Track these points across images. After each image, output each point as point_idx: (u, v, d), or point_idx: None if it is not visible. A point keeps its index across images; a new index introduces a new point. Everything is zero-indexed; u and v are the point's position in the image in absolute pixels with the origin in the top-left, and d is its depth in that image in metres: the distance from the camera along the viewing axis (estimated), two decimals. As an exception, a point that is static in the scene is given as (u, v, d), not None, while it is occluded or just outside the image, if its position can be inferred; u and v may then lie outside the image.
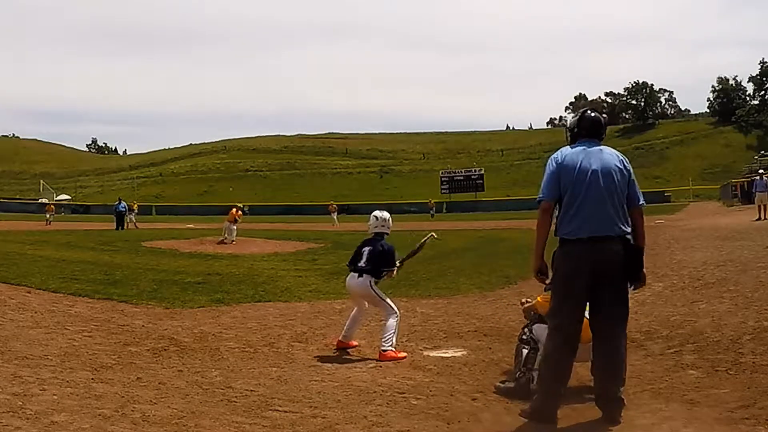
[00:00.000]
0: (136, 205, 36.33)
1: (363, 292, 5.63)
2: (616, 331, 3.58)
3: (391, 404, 3.95)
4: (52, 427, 3.26)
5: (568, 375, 3.55)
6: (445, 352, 5.49)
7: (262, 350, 5.53)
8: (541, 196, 3.60)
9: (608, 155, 3.64)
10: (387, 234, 5.99)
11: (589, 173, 3.53)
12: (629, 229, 3.56)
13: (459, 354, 5.42)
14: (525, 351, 4.21)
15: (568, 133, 3.83)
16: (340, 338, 5.69)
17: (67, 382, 4.13)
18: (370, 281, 5.58)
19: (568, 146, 3.74)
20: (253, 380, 4.50)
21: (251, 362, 5.09)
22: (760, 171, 26.65)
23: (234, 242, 19.27)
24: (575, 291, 3.50)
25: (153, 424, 3.42)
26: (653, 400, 3.90)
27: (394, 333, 5.35)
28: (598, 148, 3.67)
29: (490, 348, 5.60)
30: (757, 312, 5.98)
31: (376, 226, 5.99)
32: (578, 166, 3.55)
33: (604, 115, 3.90)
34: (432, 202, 48.05)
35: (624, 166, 3.65)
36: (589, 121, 3.75)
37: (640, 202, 3.68)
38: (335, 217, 34.95)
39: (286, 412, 3.75)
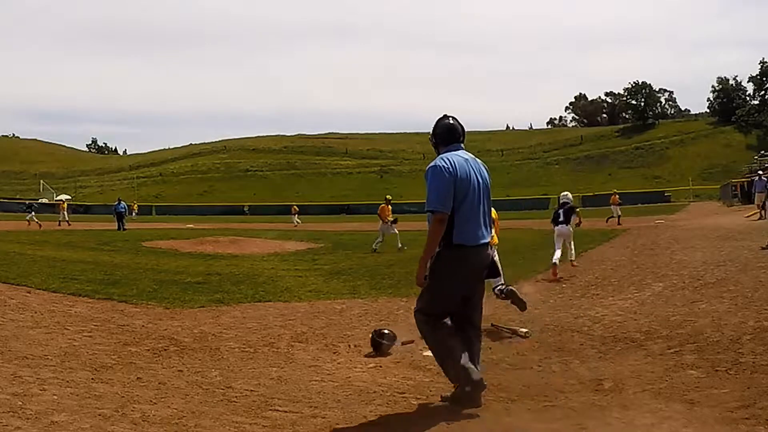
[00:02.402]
0: (136, 206, 36.32)
1: (568, 233, 10.54)
2: (479, 320, 4.00)
3: (391, 404, 3.94)
4: (52, 427, 3.26)
5: (463, 348, 3.82)
6: (445, 352, 5.48)
7: (262, 350, 5.53)
8: (437, 207, 3.66)
9: (481, 165, 3.93)
10: (570, 203, 10.97)
11: (476, 184, 3.80)
12: None
13: (459, 354, 5.41)
14: None
15: (433, 139, 3.99)
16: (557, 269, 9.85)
17: (67, 382, 4.13)
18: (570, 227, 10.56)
19: (447, 154, 3.83)
20: (253, 380, 4.50)
21: (251, 362, 5.09)
22: (759, 171, 26.79)
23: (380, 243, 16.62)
24: (461, 290, 3.84)
25: (153, 424, 3.42)
26: (653, 400, 3.90)
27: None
28: (472, 156, 3.91)
29: (490, 348, 5.60)
30: (757, 312, 5.99)
31: (563, 201, 11.02)
32: (470, 176, 3.76)
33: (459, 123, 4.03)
34: None
35: (488, 174, 3.99)
36: (446, 126, 3.93)
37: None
38: (296, 218, 37.35)
39: (286, 412, 3.75)
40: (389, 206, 17.76)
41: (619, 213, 26.27)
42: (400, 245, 16.38)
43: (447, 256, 3.73)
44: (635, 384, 4.23)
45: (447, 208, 3.66)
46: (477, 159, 3.92)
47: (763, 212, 20.09)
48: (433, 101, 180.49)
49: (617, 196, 27.73)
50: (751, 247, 11.31)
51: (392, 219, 17.31)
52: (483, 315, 4.07)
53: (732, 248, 11.58)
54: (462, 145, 3.92)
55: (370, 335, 5.64)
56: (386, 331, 5.61)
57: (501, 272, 5.60)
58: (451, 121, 3.96)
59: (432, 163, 3.80)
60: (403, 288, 9.27)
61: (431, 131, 3.99)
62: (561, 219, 10.67)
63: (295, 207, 41.35)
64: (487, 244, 3.85)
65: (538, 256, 13.80)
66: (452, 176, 3.69)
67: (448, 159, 3.76)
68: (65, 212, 34.96)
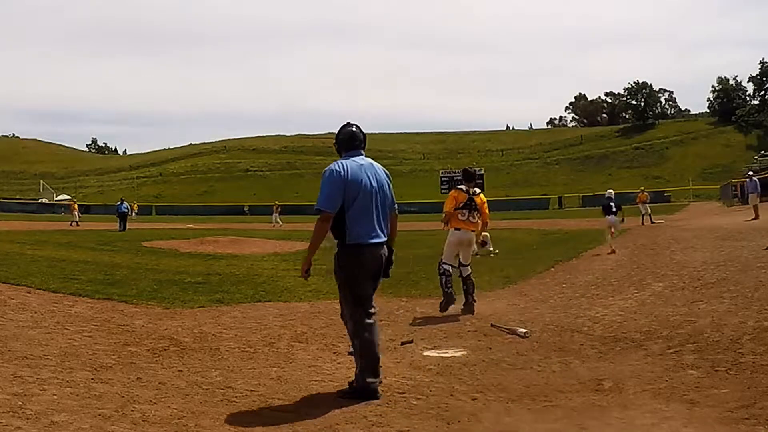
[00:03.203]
0: (135, 206, 36.25)
1: (614, 221, 14.12)
2: (374, 311, 4.22)
3: (391, 404, 3.94)
4: (52, 427, 3.26)
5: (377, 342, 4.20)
6: (445, 352, 5.49)
7: (262, 350, 5.53)
8: (324, 206, 3.98)
9: (378, 169, 4.21)
10: (613, 198, 14.79)
11: (371, 187, 4.08)
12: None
13: (459, 354, 5.42)
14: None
15: (336, 144, 4.27)
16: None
17: (67, 382, 4.13)
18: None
19: (343, 159, 4.14)
20: (253, 380, 4.50)
21: (251, 362, 5.09)
22: (749, 173, 26.89)
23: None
24: (368, 284, 4.15)
25: (153, 424, 3.42)
26: (653, 400, 3.90)
27: None
28: (369, 162, 4.20)
29: (490, 348, 5.61)
30: (757, 312, 5.99)
31: (609, 195, 15.03)
32: (362, 180, 4.05)
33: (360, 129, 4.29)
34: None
35: (389, 178, 4.29)
36: (348, 134, 4.22)
37: (395, 208, 4.33)
38: (277, 217, 36.46)
39: (286, 412, 3.76)
40: None
41: (649, 211, 24.91)
42: None
43: (345, 254, 4.09)
44: (635, 384, 4.24)
45: (332, 208, 3.98)
46: (375, 164, 4.22)
47: (757, 212, 20.30)
48: (433, 101, 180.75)
49: (645, 194, 26.42)
50: (751, 247, 11.31)
51: None
52: (482, 315, 4.09)
53: (732, 248, 11.58)
54: (362, 151, 4.21)
55: None
56: None
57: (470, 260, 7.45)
58: (354, 129, 4.23)
59: (327, 167, 4.10)
60: (403, 288, 9.27)
61: (335, 137, 4.27)
62: (613, 210, 14.56)
63: (276, 204, 39.41)
64: (382, 243, 4.14)
65: (539, 256, 13.82)
66: (343, 180, 3.99)
67: (342, 164, 4.08)
68: (77, 213, 34.78)
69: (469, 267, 7.49)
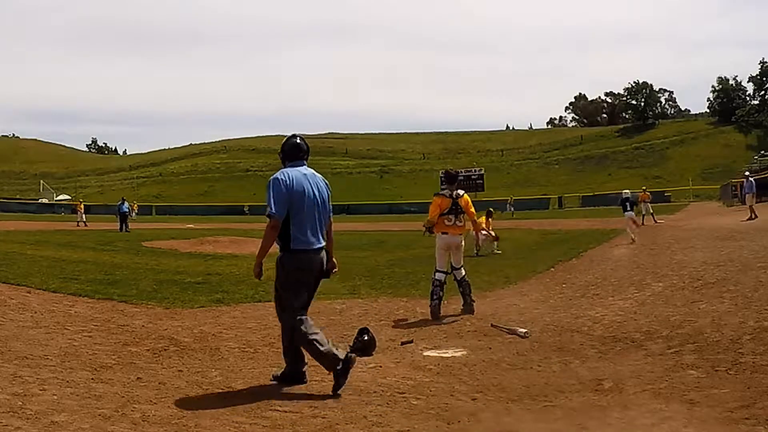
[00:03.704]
0: (135, 206, 36.14)
1: (632, 217, 17.27)
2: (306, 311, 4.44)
3: (391, 404, 3.94)
4: (52, 427, 3.26)
5: (322, 336, 4.39)
6: (445, 352, 5.49)
7: (262, 350, 5.53)
8: (274, 212, 4.17)
9: (319, 179, 4.47)
10: (630, 197, 17.68)
11: (313, 196, 4.33)
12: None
13: (459, 354, 5.42)
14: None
15: (281, 154, 4.50)
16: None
17: (67, 382, 4.13)
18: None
19: (288, 169, 4.36)
20: (253, 380, 4.50)
21: (251, 362, 5.09)
22: (746, 173, 26.93)
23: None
24: (309, 287, 4.40)
25: (153, 424, 3.42)
26: (653, 400, 3.90)
27: None
28: (312, 172, 4.45)
29: (490, 348, 5.61)
30: (757, 312, 5.99)
31: (626, 196, 17.63)
32: (305, 189, 4.28)
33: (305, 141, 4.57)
34: (512, 198, 47.68)
35: (328, 187, 4.54)
36: (293, 145, 4.46)
37: (330, 215, 4.56)
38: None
39: (286, 412, 3.75)
40: None
41: (651, 211, 24.99)
42: None
43: (288, 259, 4.30)
44: (635, 384, 4.23)
45: (280, 215, 4.18)
46: (317, 174, 4.47)
47: (753, 212, 20.45)
48: (433, 101, 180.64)
49: (647, 194, 26.35)
50: (751, 247, 11.31)
51: None
52: (483, 315, 4.08)
53: (732, 248, 11.58)
54: (305, 162, 4.46)
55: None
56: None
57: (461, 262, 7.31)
58: (298, 141, 4.48)
59: (273, 176, 4.31)
60: (403, 288, 9.28)
61: (280, 148, 4.50)
62: (628, 209, 17.48)
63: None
64: (322, 248, 4.40)
65: (539, 256, 13.82)
66: (288, 189, 4.21)
67: (286, 173, 4.30)
68: (83, 213, 34.63)
69: (462, 269, 7.34)
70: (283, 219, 4.20)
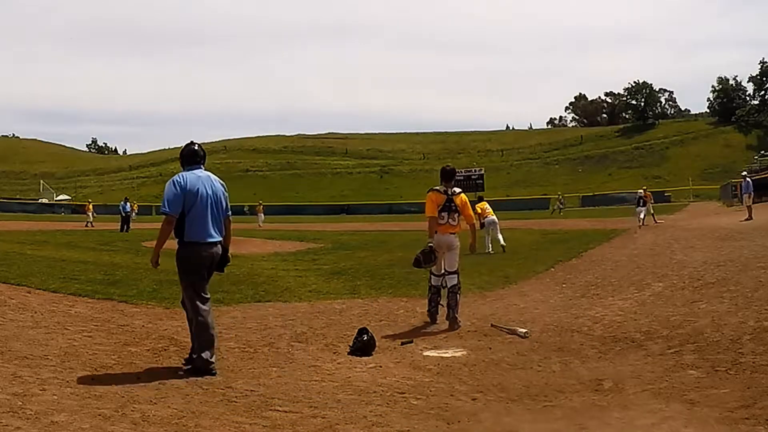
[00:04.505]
0: (136, 206, 35.96)
1: (643, 209, 22.83)
2: (208, 297, 5.03)
3: (391, 404, 3.95)
4: (52, 427, 3.26)
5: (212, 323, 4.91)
6: (445, 352, 5.49)
7: (262, 350, 5.54)
8: (168, 210, 4.72)
9: (215, 181, 4.97)
10: (642, 195, 23.39)
11: (206, 195, 4.82)
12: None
13: (459, 354, 5.42)
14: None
15: (180, 159, 5.00)
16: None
17: (67, 382, 4.13)
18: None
19: (185, 172, 4.87)
20: (253, 380, 4.50)
21: (251, 362, 5.10)
22: (743, 173, 26.96)
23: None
24: (202, 276, 4.89)
25: (153, 424, 3.42)
26: (653, 400, 3.90)
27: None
28: (207, 174, 4.97)
29: (490, 348, 5.61)
30: (757, 312, 5.99)
31: (640, 195, 23.34)
32: (198, 189, 4.78)
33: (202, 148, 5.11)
34: (561, 195, 46.83)
35: (224, 188, 5.03)
36: (191, 151, 4.96)
37: (229, 214, 5.05)
38: (261, 217, 37.40)
39: (286, 412, 3.75)
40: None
41: (652, 210, 24.62)
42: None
43: (183, 250, 4.85)
44: (635, 384, 4.24)
45: (174, 212, 4.71)
46: (212, 176, 4.99)
47: (750, 212, 20.59)
48: (433, 101, 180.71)
49: (648, 194, 25.65)
50: (751, 247, 11.31)
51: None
52: (483, 315, 4.09)
53: (732, 248, 11.58)
54: (201, 166, 4.97)
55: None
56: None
57: (457, 268, 6.89)
58: (196, 148, 5.00)
59: (171, 178, 4.84)
60: (403, 288, 9.27)
61: (180, 153, 5.01)
62: (641, 204, 22.45)
63: (261, 206, 39.99)
64: (216, 242, 4.87)
65: (539, 256, 13.81)
66: (182, 189, 4.74)
67: (182, 176, 4.84)
68: (91, 213, 34.09)
69: (455, 277, 6.78)
70: (179, 215, 4.72)
